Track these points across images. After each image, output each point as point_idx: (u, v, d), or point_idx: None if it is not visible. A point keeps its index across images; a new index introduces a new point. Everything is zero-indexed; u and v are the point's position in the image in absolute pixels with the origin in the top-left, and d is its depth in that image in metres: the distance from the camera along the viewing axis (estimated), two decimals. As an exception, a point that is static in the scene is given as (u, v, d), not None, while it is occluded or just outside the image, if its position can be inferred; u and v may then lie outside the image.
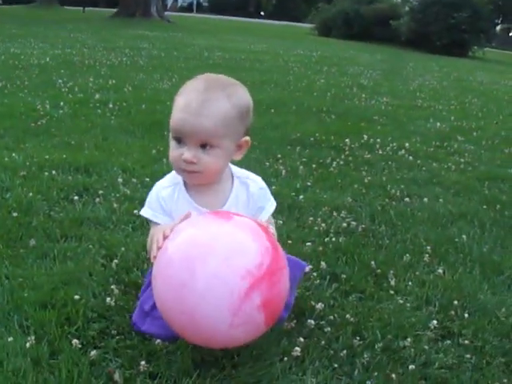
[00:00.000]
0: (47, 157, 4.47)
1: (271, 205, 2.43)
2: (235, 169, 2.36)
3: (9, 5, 39.11)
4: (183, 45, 16.31)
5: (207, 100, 2.09)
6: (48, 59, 10.52)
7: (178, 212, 2.20)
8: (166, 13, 34.74)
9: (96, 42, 14.92)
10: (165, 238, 2.02)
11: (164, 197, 2.26)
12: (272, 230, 2.16)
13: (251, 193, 2.34)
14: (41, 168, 4.23)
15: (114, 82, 8.55)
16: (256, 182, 2.38)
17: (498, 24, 49.21)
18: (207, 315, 1.86)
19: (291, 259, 2.43)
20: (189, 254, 1.90)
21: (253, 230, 2.02)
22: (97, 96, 7.33)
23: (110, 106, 6.76)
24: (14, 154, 4.49)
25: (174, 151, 2.16)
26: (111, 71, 9.72)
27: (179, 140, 2.14)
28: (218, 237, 1.94)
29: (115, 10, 31.46)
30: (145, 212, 2.30)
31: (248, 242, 1.97)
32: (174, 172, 2.32)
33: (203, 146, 2.12)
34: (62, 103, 6.65)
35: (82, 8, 34.94)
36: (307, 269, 2.68)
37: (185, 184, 2.28)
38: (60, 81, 8.21)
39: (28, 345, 2.17)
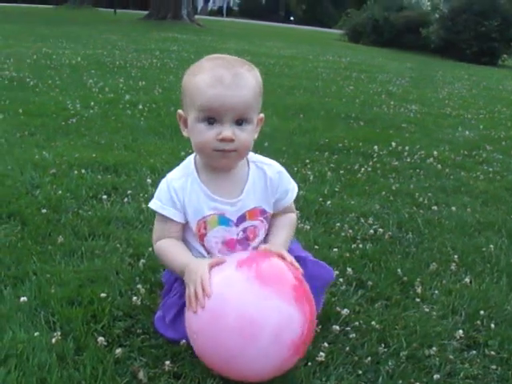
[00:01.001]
0: (77, 155, 4.51)
1: (293, 188, 2.40)
2: (250, 153, 2.30)
3: (40, 4, 39.44)
4: (213, 48, 16.35)
5: (238, 73, 2.04)
6: (79, 59, 10.61)
7: (192, 203, 2.19)
8: (197, 16, 34.89)
9: (127, 43, 15.01)
10: (204, 291, 1.98)
11: (176, 188, 2.20)
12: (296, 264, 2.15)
13: (269, 177, 2.30)
14: (70, 166, 4.27)
15: (144, 83, 8.60)
16: (272, 165, 2.34)
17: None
18: (251, 375, 2.01)
19: (320, 266, 2.44)
20: (242, 331, 1.92)
21: (295, 293, 2.03)
22: (127, 97, 7.38)
23: (140, 107, 6.80)
24: (44, 152, 4.54)
25: (206, 134, 2.07)
26: (141, 73, 9.78)
27: (212, 120, 2.05)
28: (268, 314, 1.95)
29: (146, 12, 31.65)
30: (153, 204, 2.27)
31: (293, 314, 1.99)
32: (184, 163, 2.30)
33: (238, 122, 2.07)
34: (92, 103, 6.70)
35: (113, 10, 35.16)
36: (334, 276, 2.61)
37: (198, 174, 2.23)
38: (91, 81, 8.28)
39: (54, 340, 2.18)
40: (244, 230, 2.28)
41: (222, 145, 2.07)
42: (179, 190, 2.20)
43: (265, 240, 2.37)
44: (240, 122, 2.07)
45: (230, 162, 2.19)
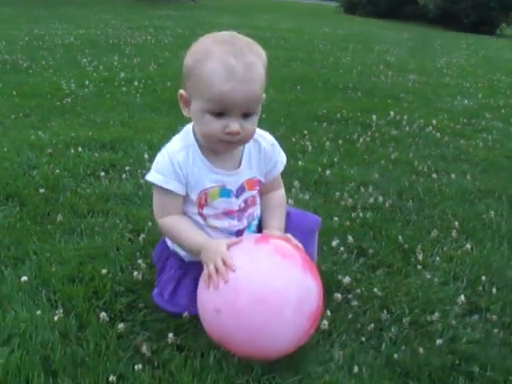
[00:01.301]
0: (73, 134, 4.49)
1: (283, 159, 2.39)
2: None
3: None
4: (208, 24, 16.24)
5: (250, 64, 1.98)
6: (72, 39, 10.54)
7: (196, 177, 2.16)
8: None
9: (121, 22, 14.90)
10: (226, 266, 1.97)
11: (180, 162, 2.14)
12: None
13: (263, 148, 2.29)
14: (67, 145, 4.25)
15: (138, 60, 8.56)
16: (266, 137, 2.32)
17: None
18: (273, 350, 2.01)
19: (305, 214, 2.54)
20: (267, 302, 1.92)
21: (310, 267, 2.07)
22: (122, 74, 7.34)
23: (136, 84, 6.76)
24: (40, 133, 4.52)
25: (213, 125, 2.03)
26: (136, 50, 9.72)
27: (220, 113, 2.02)
28: (291, 285, 1.97)
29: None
30: (153, 177, 2.18)
31: (311, 287, 2.02)
32: (183, 134, 2.25)
33: (246, 114, 2.04)
34: (87, 82, 6.66)
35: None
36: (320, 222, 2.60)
37: (199, 146, 2.19)
38: (85, 60, 8.23)
39: (56, 318, 2.18)
40: (245, 201, 2.29)
41: (229, 137, 2.05)
42: (183, 164, 2.15)
43: (261, 216, 2.41)
44: (247, 114, 2.05)
45: (232, 149, 2.19)
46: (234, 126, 2.01)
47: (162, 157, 2.19)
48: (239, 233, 2.30)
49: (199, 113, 2.06)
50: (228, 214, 2.26)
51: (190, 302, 2.22)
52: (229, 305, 1.95)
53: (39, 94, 5.93)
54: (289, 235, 2.19)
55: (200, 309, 2.08)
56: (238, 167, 2.24)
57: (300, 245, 2.15)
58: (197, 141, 2.19)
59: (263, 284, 1.94)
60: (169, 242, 2.41)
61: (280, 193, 2.46)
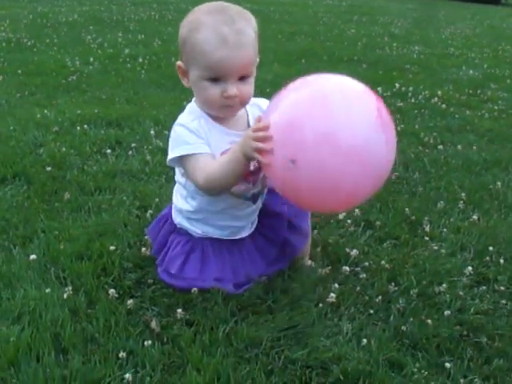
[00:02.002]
0: (79, 112, 4.50)
1: None
2: None
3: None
4: (211, -2, 16.16)
5: (239, 32, 2.07)
6: (76, 16, 10.52)
7: (213, 141, 2.19)
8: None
9: (124, -3, 14.86)
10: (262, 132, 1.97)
11: (196, 127, 2.18)
12: None
13: (263, 109, 2.29)
14: (73, 123, 4.26)
15: (143, 36, 8.55)
16: (263, 100, 2.36)
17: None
18: (352, 200, 2.10)
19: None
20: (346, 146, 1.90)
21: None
22: (126, 51, 7.33)
23: (140, 60, 6.76)
24: (45, 111, 4.52)
25: (211, 91, 2.12)
26: (140, 26, 9.71)
27: (216, 79, 2.10)
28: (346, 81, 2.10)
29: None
30: (180, 151, 2.17)
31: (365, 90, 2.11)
32: (188, 109, 2.29)
33: (242, 78, 2.12)
34: (91, 59, 6.67)
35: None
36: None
37: (208, 114, 2.23)
38: (89, 37, 8.22)
39: (65, 296, 2.19)
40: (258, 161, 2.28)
41: (228, 101, 2.13)
42: (200, 129, 2.19)
43: None
44: (243, 77, 2.13)
45: (234, 112, 2.25)
46: (232, 89, 2.10)
47: (179, 130, 2.22)
48: (255, 196, 2.35)
49: (197, 81, 2.14)
50: (244, 177, 2.25)
51: (199, 274, 2.28)
52: (303, 152, 1.91)
53: (44, 72, 5.94)
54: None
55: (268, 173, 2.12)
56: (248, 127, 2.26)
57: None
58: (204, 111, 2.24)
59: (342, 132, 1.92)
60: (176, 219, 2.41)
61: None
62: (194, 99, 2.30)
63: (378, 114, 2.01)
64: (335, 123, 1.92)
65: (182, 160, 2.22)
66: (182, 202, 2.37)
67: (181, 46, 2.19)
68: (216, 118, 2.24)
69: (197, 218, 2.35)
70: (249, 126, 2.28)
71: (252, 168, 2.13)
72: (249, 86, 2.17)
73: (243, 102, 2.21)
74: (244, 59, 2.09)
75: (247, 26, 2.12)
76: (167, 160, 2.28)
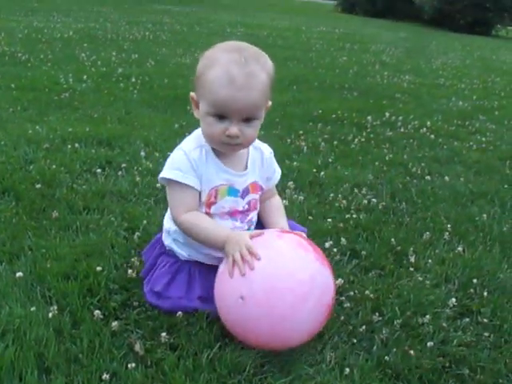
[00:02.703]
0: (70, 130, 4.50)
1: (279, 169, 2.57)
2: None
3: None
4: (206, 20, 16.25)
5: (250, 74, 2.09)
6: (71, 33, 10.53)
7: (208, 174, 2.25)
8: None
9: (119, 16, 14.90)
10: (252, 254, 2.05)
11: (195, 158, 2.24)
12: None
13: (265, 156, 2.44)
14: (64, 141, 4.25)
15: (136, 56, 8.56)
16: (266, 146, 2.48)
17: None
18: (291, 338, 2.09)
19: (293, 225, 2.61)
20: (294, 291, 2.02)
21: (326, 260, 2.21)
22: (120, 70, 7.35)
23: (133, 80, 6.78)
24: (37, 127, 4.52)
25: (215, 127, 2.16)
26: (134, 46, 9.73)
27: (221, 116, 2.14)
28: (316, 277, 2.08)
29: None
30: (171, 174, 2.25)
31: (329, 278, 2.15)
32: (195, 135, 2.35)
33: (247, 119, 2.15)
34: (85, 77, 6.67)
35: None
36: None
37: (210, 147, 2.29)
38: (83, 55, 8.23)
39: (50, 315, 2.19)
40: (248, 203, 2.39)
41: (229, 139, 2.17)
42: (198, 161, 2.25)
43: (265, 222, 2.53)
44: (248, 119, 2.16)
45: (234, 151, 2.30)
46: (233, 129, 2.14)
47: (178, 154, 2.28)
48: None
49: (204, 115, 2.19)
50: (232, 214, 2.36)
51: (185, 294, 2.31)
52: (254, 292, 2.01)
53: (37, 88, 5.94)
54: (301, 232, 2.33)
55: (220, 300, 2.15)
56: (246, 169, 2.36)
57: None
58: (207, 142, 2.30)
59: (290, 274, 2.03)
60: (166, 241, 2.45)
61: (278, 198, 2.62)
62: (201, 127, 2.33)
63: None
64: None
65: (169, 183, 2.28)
66: (170, 222, 2.41)
67: (196, 79, 2.23)
68: (217, 152, 2.28)
69: (183, 240, 2.38)
70: (246, 167, 2.36)
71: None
72: (253, 129, 2.20)
73: (245, 144, 2.26)
74: (249, 101, 2.11)
75: (260, 69, 2.13)
76: (159, 176, 2.33)
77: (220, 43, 2.25)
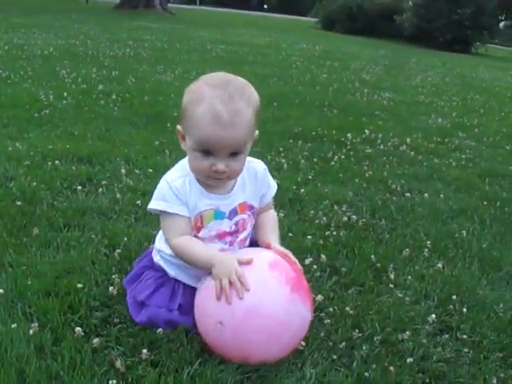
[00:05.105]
0: (51, 147, 4.50)
1: (274, 184, 2.57)
2: None
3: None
4: (186, 37, 16.31)
5: (235, 112, 2.09)
6: (51, 49, 10.53)
7: (192, 202, 2.27)
8: (170, 5, 34.63)
9: (99, 33, 14.92)
10: (242, 284, 2.08)
11: (178, 187, 2.25)
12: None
13: (258, 173, 2.44)
14: (44, 158, 4.25)
15: (117, 73, 8.57)
16: (259, 163, 2.49)
17: (501, 20, 49.02)
18: (262, 360, 2.14)
19: None
20: (271, 330, 2.08)
21: (310, 296, 2.26)
22: (100, 87, 7.35)
23: (113, 97, 6.77)
24: (17, 144, 4.51)
25: (201, 162, 2.18)
26: (114, 62, 9.73)
27: (207, 152, 2.15)
28: (295, 320, 2.13)
29: (118, 1, 31.36)
30: (157, 205, 2.28)
31: (308, 317, 2.21)
32: (180, 165, 2.37)
33: (233, 154, 2.16)
34: (65, 94, 6.67)
35: (85, -1, 34.69)
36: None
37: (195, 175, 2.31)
38: (63, 71, 8.22)
39: (31, 332, 2.19)
40: (236, 224, 2.39)
41: (215, 174, 2.20)
42: (181, 190, 2.27)
43: (257, 236, 2.53)
44: (234, 153, 2.18)
45: (220, 183, 2.31)
46: (220, 166, 2.17)
47: (162, 185, 2.31)
48: None
49: (190, 149, 2.21)
50: (221, 237, 2.37)
51: (165, 303, 2.34)
52: (233, 321, 2.07)
53: (17, 105, 5.92)
54: (289, 253, 2.34)
55: (199, 319, 2.20)
56: (231, 191, 2.36)
57: (297, 262, 2.33)
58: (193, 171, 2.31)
59: (270, 315, 2.07)
60: (155, 257, 2.48)
61: (272, 212, 2.63)
62: (187, 157, 2.34)
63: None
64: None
65: (160, 213, 2.31)
66: (163, 245, 2.42)
67: (182, 112, 2.23)
68: (201, 181, 2.30)
69: (173, 262, 2.40)
70: (232, 189, 2.36)
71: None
72: (239, 163, 2.22)
73: (231, 177, 2.28)
74: (235, 139, 2.12)
75: (245, 106, 2.13)
76: (148, 206, 2.35)
77: (206, 75, 2.26)
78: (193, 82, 2.24)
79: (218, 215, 2.34)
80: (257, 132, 2.28)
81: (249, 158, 2.38)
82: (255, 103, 2.19)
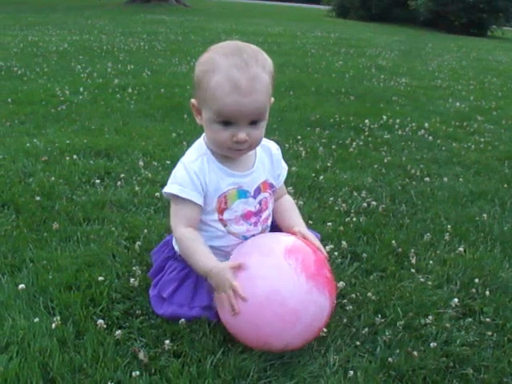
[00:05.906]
0: (68, 142, 4.51)
1: (285, 166, 2.54)
2: None
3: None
4: (200, 29, 16.29)
5: (253, 77, 2.05)
6: (66, 45, 10.57)
7: (213, 182, 2.24)
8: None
9: (113, 27, 14.95)
10: (237, 296, 2.07)
11: (196, 170, 2.22)
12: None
13: (274, 153, 2.43)
14: (62, 153, 4.27)
15: (132, 67, 8.59)
16: (273, 144, 2.47)
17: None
18: (279, 348, 2.12)
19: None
20: (284, 318, 2.05)
21: (329, 285, 2.19)
22: (116, 81, 7.37)
23: (130, 90, 6.79)
24: (35, 140, 4.53)
25: (221, 134, 2.13)
26: (129, 56, 9.76)
27: (227, 122, 2.11)
28: (309, 309, 2.08)
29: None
30: (171, 188, 2.23)
31: (325, 305, 2.15)
32: (196, 146, 2.33)
33: (253, 122, 2.13)
34: (81, 89, 6.70)
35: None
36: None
37: (212, 153, 2.27)
38: (79, 67, 8.26)
39: (54, 326, 2.20)
40: (260, 202, 2.37)
41: (237, 145, 2.15)
42: (199, 172, 2.23)
43: (279, 221, 2.52)
44: (254, 121, 2.14)
45: (242, 154, 2.28)
46: (241, 135, 2.12)
47: (179, 168, 2.27)
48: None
49: (208, 122, 2.16)
50: (247, 217, 2.34)
51: (187, 302, 2.31)
52: (247, 309, 2.06)
53: (34, 101, 5.95)
54: (313, 238, 2.35)
55: (219, 308, 2.20)
56: (252, 167, 2.33)
57: (322, 248, 2.31)
58: (209, 149, 2.28)
59: (283, 301, 2.04)
60: (175, 246, 2.44)
61: (288, 197, 2.61)
62: (202, 135, 2.32)
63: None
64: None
65: (172, 196, 2.27)
66: None
67: (195, 86, 2.19)
68: (219, 158, 2.27)
69: None
70: (253, 165, 2.34)
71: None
72: (260, 131, 2.18)
73: (252, 146, 2.24)
74: (255, 105, 2.08)
75: (261, 70, 2.10)
76: (162, 190, 2.32)
77: (215, 45, 2.20)
78: (202, 53, 2.20)
79: (242, 194, 2.31)
80: (272, 99, 2.22)
81: (263, 139, 2.36)
82: (270, 68, 2.16)
